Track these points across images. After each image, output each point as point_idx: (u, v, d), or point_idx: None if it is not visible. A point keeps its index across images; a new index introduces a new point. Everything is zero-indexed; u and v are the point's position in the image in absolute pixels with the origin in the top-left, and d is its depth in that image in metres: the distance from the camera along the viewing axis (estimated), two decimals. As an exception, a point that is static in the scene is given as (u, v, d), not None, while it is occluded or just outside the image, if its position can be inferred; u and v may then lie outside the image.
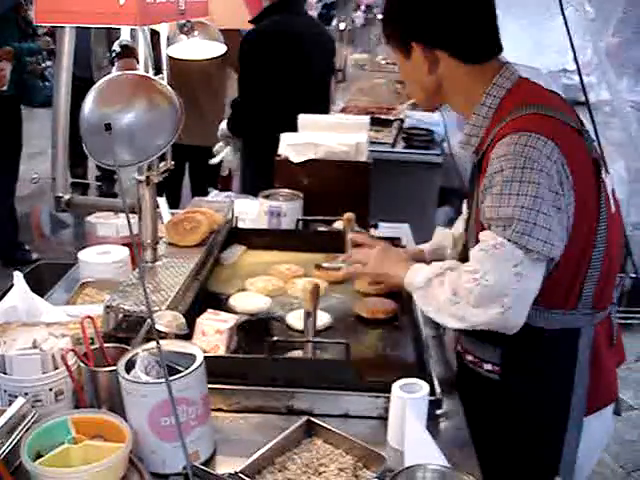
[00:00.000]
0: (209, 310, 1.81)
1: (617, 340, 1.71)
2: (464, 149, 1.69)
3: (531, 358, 1.61)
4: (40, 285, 2.03)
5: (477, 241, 1.55)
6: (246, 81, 3.57)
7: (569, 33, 3.11)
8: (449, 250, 1.96)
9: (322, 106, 3.85)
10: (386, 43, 1.75)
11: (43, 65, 4.93)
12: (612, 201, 1.60)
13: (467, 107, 1.64)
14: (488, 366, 1.66)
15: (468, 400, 1.66)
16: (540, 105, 1.53)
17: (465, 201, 1.83)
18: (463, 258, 1.64)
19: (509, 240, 1.44)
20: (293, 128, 2.85)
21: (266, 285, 2.12)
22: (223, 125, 3.66)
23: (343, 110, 5.08)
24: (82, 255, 2.16)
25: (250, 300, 2.04)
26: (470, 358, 1.72)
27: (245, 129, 3.63)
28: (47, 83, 4.91)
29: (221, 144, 3.76)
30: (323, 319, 1.91)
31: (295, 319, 1.91)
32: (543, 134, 1.45)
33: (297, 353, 1.75)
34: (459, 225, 1.95)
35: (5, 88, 4.63)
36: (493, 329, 1.52)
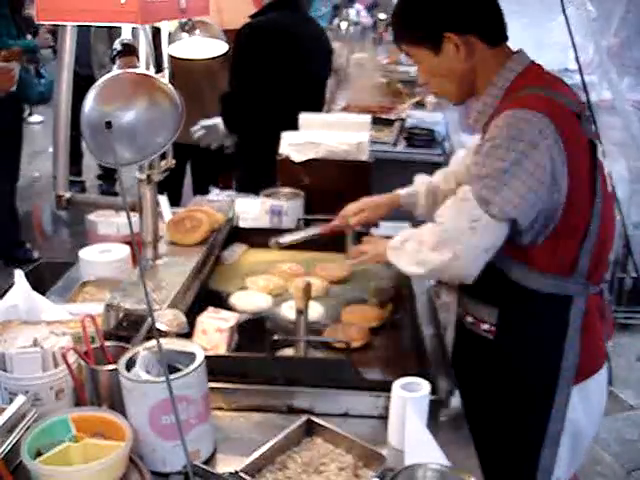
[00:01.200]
0: (210, 309, 1.81)
1: (608, 315, 1.79)
2: (474, 126, 1.78)
3: (524, 320, 1.70)
4: (41, 284, 2.03)
5: None
6: (237, 74, 3.52)
7: (570, 32, 3.10)
8: (422, 200, 2.09)
9: (317, 105, 3.84)
10: (405, 44, 1.74)
11: (40, 63, 4.90)
12: (608, 180, 1.68)
13: (481, 89, 1.72)
14: (485, 326, 1.75)
15: (464, 362, 1.81)
16: (541, 87, 1.62)
17: None
18: None
19: (475, 195, 1.56)
20: (289, 126, 2.84)
21: (267, 284, 2.12)
22: (221, 125, 3.63)
23: (344, 109, 5.07)
24: (83, 254, 2.16)
25: (251, 299, 2.04)
26: (470, 319, 1.81)
27: (239, 123, 3.60)
28: (42, 80, 4.88)
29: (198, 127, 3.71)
30: (316, 311, 1.95)
31: (288, 309, 1.93)
32: (537, 111, 1.53)
33: (289, 351, 1.75)
34: (440, 177, 2.15)
35: (14, 88, 4.63)
36: (445, 276, 1.69)
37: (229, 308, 1.96)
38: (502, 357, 1.74)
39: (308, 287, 1.72)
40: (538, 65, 1.71)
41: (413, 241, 1.70)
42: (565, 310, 1.66)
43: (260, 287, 2.11)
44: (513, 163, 1.51)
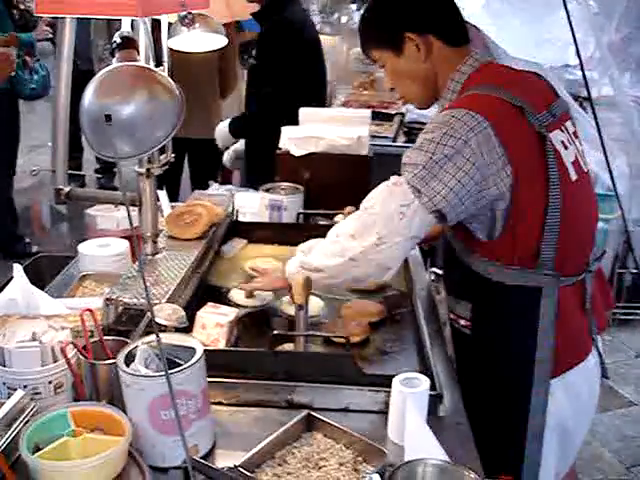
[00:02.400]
0: (209, 303, 1.81)
1: (593, 304, 1.76)
2: None
3: (496, 313, 1.71)
4: (40, 278, 2.02)
5: None
6: (277, 74, 3.49)
7: (572, 27, 3.08)
8: None
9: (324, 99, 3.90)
10: (370, 48, 1.78)
11: (35, 57, 4.84)
12: (572, 170, 1.67)
13: (441, 91, 1.75)
14: (462, 321, 1.77)
15: (456, 358, 1.83)
16: (484, 86, 1.64)
17: None
18: None
19: (407, 182, 1.58)
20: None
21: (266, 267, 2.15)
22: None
23: (344, 104, 5.06)
24: (82, 248, 2.16)
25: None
26: (452, 316, 1.82)
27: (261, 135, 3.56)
28: (35, 77, 4.84)
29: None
30: (316, 305, 1.97)
31: (287, 304, 1.93)
32: (472, 110, 1.56)
33: (289, 346, 1.75)
34: None
35: (14, 73, 4.62)
36: (365, 265, 1.65)
37: (229, 303, 1.95)
38: (479, 352, 1.76)
39: (308, 282, 1.72)
40: (491, 64, 1.75)
41: (325, 239, 1.73)
42: (535, 302, 1.65)
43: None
44: (444, 157, 1.54)
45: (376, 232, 1.61)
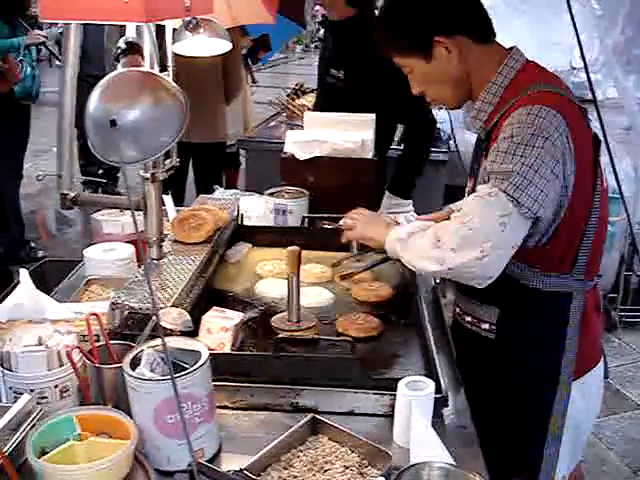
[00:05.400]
0: (214, 307, 1.81)
1: (602, 309, 1.81)
2: (472, 124, 1.75)
3: (525, 318, 1.71)
4: (46, 282, 2.03)
5: None
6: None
7: (576, 30, 3.09)
8: None
9: None
10: (397, 56, 1.72)
11: (28, 60, 4.83)
12: (603, 176, 1.69)
13: (477, 88, 1.71)
14: (485, 325, 1.76)
15: (464, 361, 1.80)
16: (550, 84, 1.62)
17: (469, 175, 1.88)
18: None
19: (503, 191, 1.51)
20: None
21: (273, 269, 2.21)
22: None
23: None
24: (88, 252, 2.16)
25: (276, 285, 2.08)
26: (469, 319, 1.82)
27: None
28: (15, 87, 4.80)
29: None
30: (326, 297, 2.03)
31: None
32: (553, 107, 1.54)
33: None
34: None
35: (22, 76, 4.63)
36: (466, 276, 1.58)
37: (255, 296, 2.04)
38: (503, 356, 1.75)
39: (298, 253, 1.80)
40: (533, 62, 1.71)
41: (426, 237, 1.62)
42: (566, 307, 1.67)
43: (266, 271, 2.20)
44: (536, 159, 1.50)
45: (479, 247, 1.52)
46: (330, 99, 3.30)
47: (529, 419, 1.73)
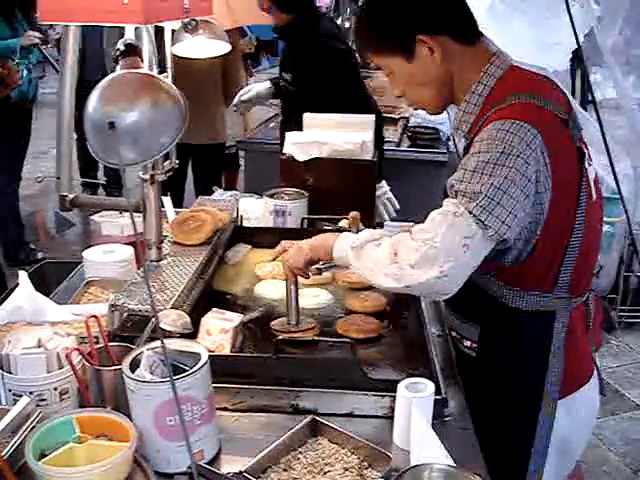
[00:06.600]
0: (214, 309, 1.81)
1: (593, 324, 1.74)
2: (456, 134, 1.69)
3: (506, 337, 1.66)
4: (45, 284, 2.03)
5: None
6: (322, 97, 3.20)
7: (575, 30, 3.09)
8: None
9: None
10: (373, 55, 1.65)
11: (23, 63, 4.81)
12: (593, 189, 1.62)
13: (460, 93, 1.63)
14: (467, 343, 1.73)
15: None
16: (528, 94, 1.53)
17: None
18: None
19: (470, 212, 1.45)
20: None
21: (271, 270, 2.19)
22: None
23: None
24: (87, 254, 2.16)
25: (275, 287, 2.07)
26: (454, 334, 1.79)
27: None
28: (21, 86, 4.79)
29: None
30: (324, 298, 2.03)
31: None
32: (527, 122, 1.46)
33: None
34: None
35: (21, 82, 4.63)
36: (424, 293, 1.58)
37: (254, 297, 2.04)
38: (485, 374, 1.70)
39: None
40: (518, 67, 1.62)
41: (382, 250, 1.55)
42: (548, 326, 1.62)
43: (265, 272, 2.19)
44: (505, 179, 1.44)
45: (439, 266, 1.46)
46: (285, 101, 3.58)
47: (514, 436, 1.68)
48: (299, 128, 2.92)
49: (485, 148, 1.47)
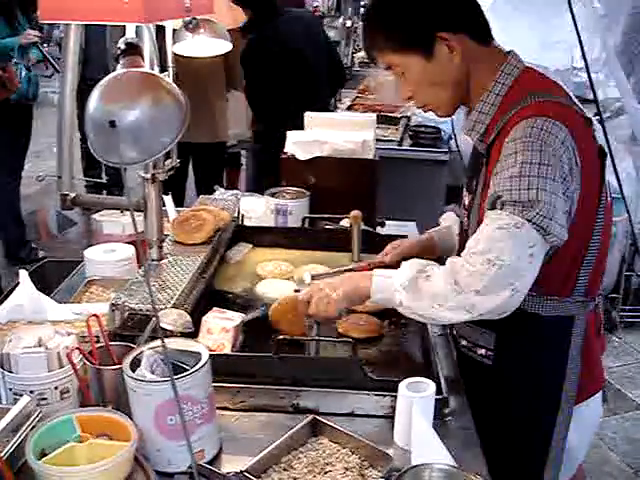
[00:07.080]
0: (215, 308, 1.81)
1: (602, 330, 1.74)
2: (468, 135, 1.66)
3: (524, 344, 1.63)
4: (46, 283, 2.02)
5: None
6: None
7: (577, 30, 3.09)
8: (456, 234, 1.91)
9: (324, 99, 3.91)
10: (387, 53, 1.58)
11: (21, 62, 4.79)
12: (608, 190, 1.61)
13: (474, 94, 1.60)
14: (482, 351, 1.68)
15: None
16: (551, 93, 1.52)
17: (465, 189, 1.76)
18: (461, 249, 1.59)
19: (530, 221, 1.41)
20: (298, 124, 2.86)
21: (274, 269, 2.20)
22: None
23: (350, 108, 5.07)
24: (88, 253, 2.16)
25: (277, 286, 2.08)
26: (464, 343, 1.74)
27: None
28: (20, 86, 4.78)
29: None
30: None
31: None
32: (559, 120, 1.44)
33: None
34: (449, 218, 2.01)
35: (20, 84, 4.62)
36: (495, 315, 1.47)
37: (256, 297, 2.02)
38: (501, 382, 1.67)
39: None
40: (532, 68, 1.61)
41: (438, 281, 1.48)
42: (567, 332, 1.59)
43: (267, 272, 2.19)
44: (553, 181, 1.41)
45: (510, 284, 1.41)
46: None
47: (529, 443, 1.66)
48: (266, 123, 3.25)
49: (521, 147, 1.44)
